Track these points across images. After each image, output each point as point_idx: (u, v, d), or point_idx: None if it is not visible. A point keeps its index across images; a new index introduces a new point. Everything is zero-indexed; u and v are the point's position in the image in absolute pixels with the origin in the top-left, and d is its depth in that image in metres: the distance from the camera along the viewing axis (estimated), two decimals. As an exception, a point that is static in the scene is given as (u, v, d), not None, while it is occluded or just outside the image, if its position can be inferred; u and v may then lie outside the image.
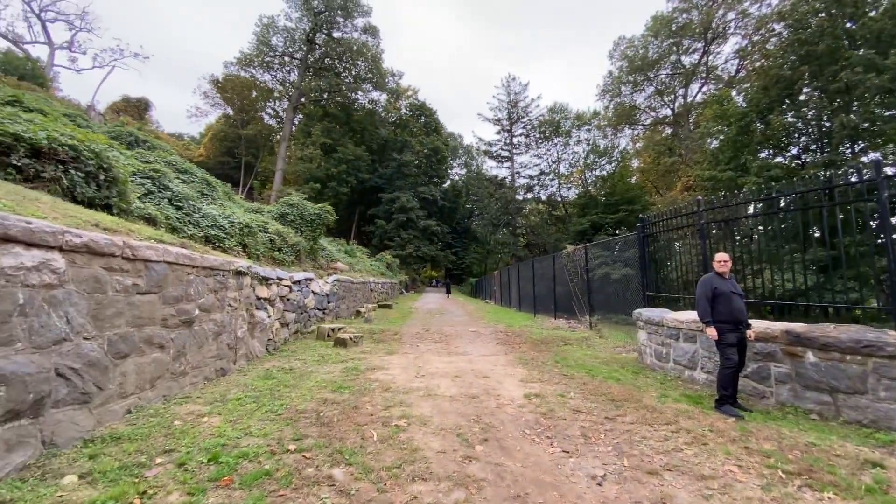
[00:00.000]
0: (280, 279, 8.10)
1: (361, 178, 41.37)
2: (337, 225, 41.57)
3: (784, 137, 21.17)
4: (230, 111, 44.58)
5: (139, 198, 7.56)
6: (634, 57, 37.16)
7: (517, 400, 4.60)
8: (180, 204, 8.44)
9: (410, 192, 41.84)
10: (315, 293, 10.74)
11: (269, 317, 7.28)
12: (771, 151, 22.26)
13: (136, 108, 41.66)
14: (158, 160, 10.85)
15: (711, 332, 4.42)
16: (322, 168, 39.01)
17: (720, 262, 4.66)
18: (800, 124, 20.42)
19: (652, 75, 37.83)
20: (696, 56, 36.05)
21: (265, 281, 7.21)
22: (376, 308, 17.45)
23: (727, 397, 4.37)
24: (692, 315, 5.76)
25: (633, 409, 4.29)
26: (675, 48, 35.78)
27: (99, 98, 36.33)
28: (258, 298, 6.89)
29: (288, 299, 8.61)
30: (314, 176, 38.30)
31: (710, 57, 35.29)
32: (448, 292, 35.74)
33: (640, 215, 7.42)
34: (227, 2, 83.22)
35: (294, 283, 9.16)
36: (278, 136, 42.30)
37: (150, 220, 7.14)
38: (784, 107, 20.45)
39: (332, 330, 9.23)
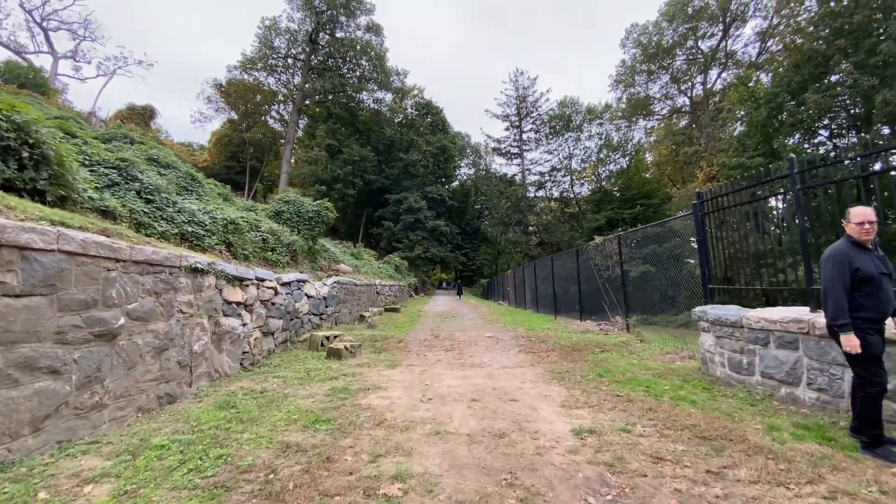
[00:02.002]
0: (261, 280, 6.83)
1: (368, 180, 40.31)
2: (344, 228, 40.73)
3: (816, 120, 19.55)
4: (234, 115, 43.89)
5: (98, 188, 6.43)
6: (648, 44, 35.48)
7: (564, 439, 3.21)
8: (151, 197, 7.25)
9: (418, 193, 40.71)
10: (310, 296, 9.48)
11: (243, 325, 6.00)
12: (799, 136, 20.64)
13: (142, 116, 41.09)
14: (137, 153, 9.75)
15: (851, 341, 2.81)
16: (328, 170, 38.02)
17: (862, 224, 2.92)
18: (833, 106, 18.76)
19: (667, 63, 36.11)
20: (713, 41, 34.29)
21: (238, 281, 5.94)
22: (382, 312, 16.17)
23: (879, 435, 2.94)
24: (788, 312, 4.33)
25: (742, 455, 2.87)
26: (691, 33, 34.04)
27: (101, 105, 35.81)
28: (227, 303, 5.61)
29: (273, 304, 7.34)
30: (320, 178, 37.32)
31: (730, 41, 33.51)
32: (459, 294, 34.41)
33: (698, 191, 6.00)
34: (232, 8, 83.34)
35: (282, 284, 7.89)
36: (283, 140, 41.45)
37: (108, 214, 5.98)
38: (818, 85, 18.82)
39: (327, 338, 7.95)
